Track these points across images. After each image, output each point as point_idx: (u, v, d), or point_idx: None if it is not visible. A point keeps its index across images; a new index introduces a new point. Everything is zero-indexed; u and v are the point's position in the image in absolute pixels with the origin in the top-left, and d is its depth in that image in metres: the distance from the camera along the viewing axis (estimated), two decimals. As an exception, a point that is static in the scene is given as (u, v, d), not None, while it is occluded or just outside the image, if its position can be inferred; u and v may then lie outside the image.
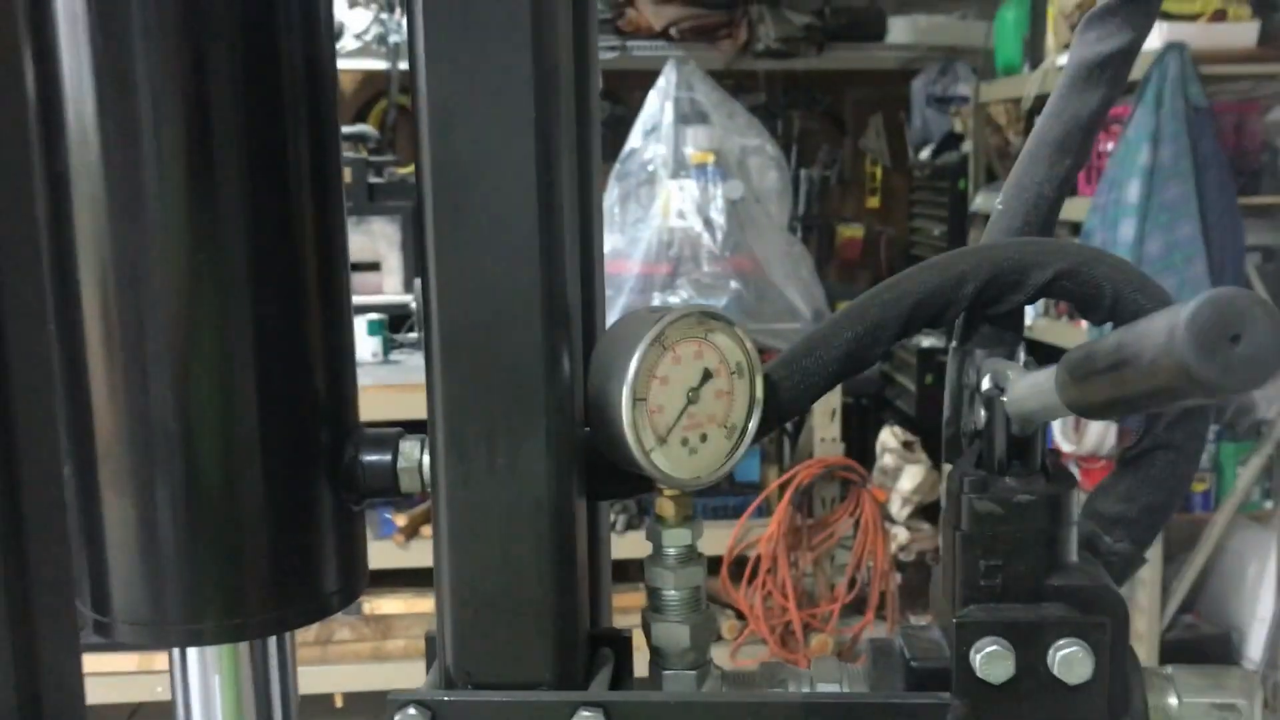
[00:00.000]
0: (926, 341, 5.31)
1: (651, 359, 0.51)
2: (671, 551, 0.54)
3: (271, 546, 0.56)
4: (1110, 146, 3.51)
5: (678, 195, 3.46)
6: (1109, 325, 0.58)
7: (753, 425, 0.54)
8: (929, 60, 5.65)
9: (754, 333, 2.69)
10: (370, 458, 0.58)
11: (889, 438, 4.71)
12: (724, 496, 3.58)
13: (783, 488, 3.40)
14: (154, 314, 0.53)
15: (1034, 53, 4.39)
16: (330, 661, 3.26)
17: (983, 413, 0.52)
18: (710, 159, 3.48)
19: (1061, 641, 0.49)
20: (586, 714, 0.50)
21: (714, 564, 3.34)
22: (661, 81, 3.59)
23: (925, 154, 5.56)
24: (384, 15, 4.74)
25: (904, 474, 4.68)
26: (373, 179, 3.85)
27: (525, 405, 0.49)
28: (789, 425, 4.28)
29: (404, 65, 4.92)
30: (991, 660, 0.49)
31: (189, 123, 0.52)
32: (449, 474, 0.51)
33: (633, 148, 3.55)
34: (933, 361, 5.15)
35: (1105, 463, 3.65)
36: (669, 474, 0.52)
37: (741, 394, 0.54)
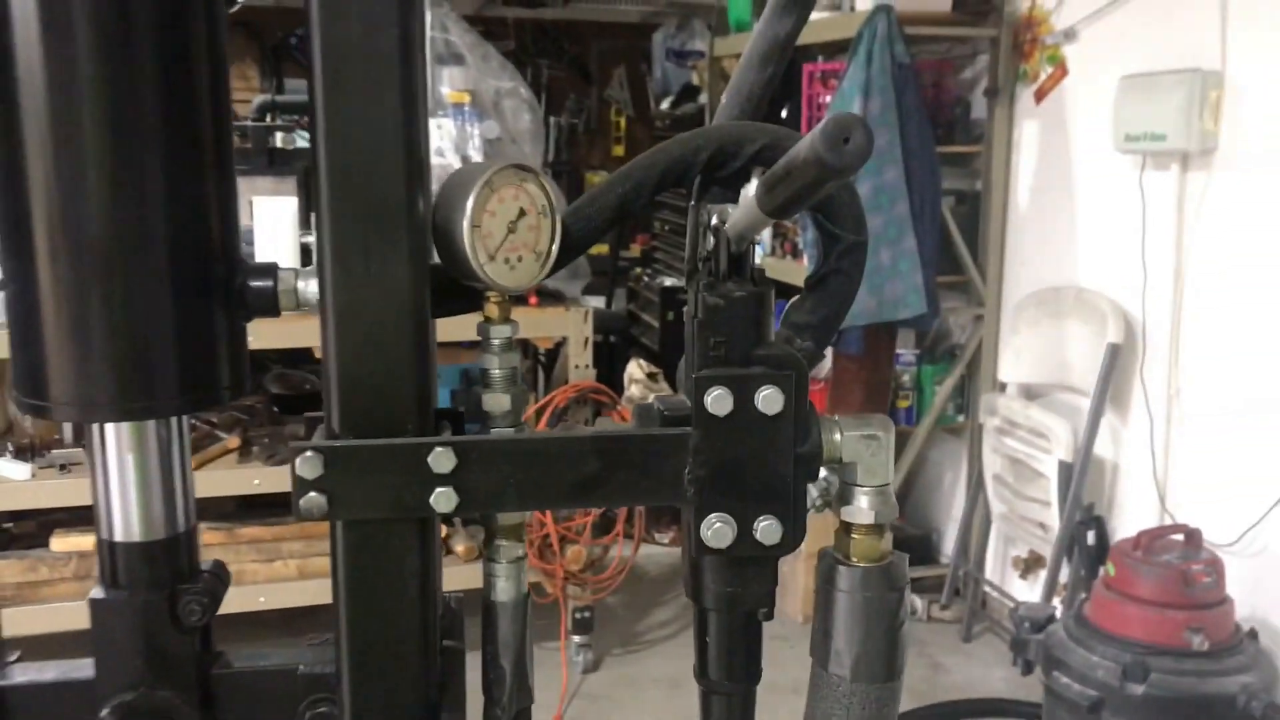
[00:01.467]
0: (669, 281, 5.66)
1: (484, 197, 0.71)
2: (495, 341, 0.75)
3: (177, 346, 0.73)
4: (828, 99, 3.89)
5: (435, 134, 3.60)
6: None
7: (554, 250, 0.75)
8: (668, 16, 5.98)
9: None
10: (255, 283, 0.76)
11: (635, 369, 5.02)
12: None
13: (540, 412, 3.63)
14: (90, 169, 0.69)
15: (760, 9, 4.74)
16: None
17: (710, 239, 0.75)
18: (466, 99, 3.63)
19: (763, 387, 0.73)
20: (441, 450, 0.70)
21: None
22: (416, 23, 3.70)
23: (665, 105, 5.88)
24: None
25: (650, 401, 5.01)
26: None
27: (392, 227, 0.69)
28: (543, 356, 4.51)
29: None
30: (718, 400, 0.73)
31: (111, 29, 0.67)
32: (334, 280, 0.69)
33: (390, 87, 3.65)
34: (674, 300, 5.51)
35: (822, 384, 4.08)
36: (497, 281, 0.72)
37: (546, 229, 0.75)
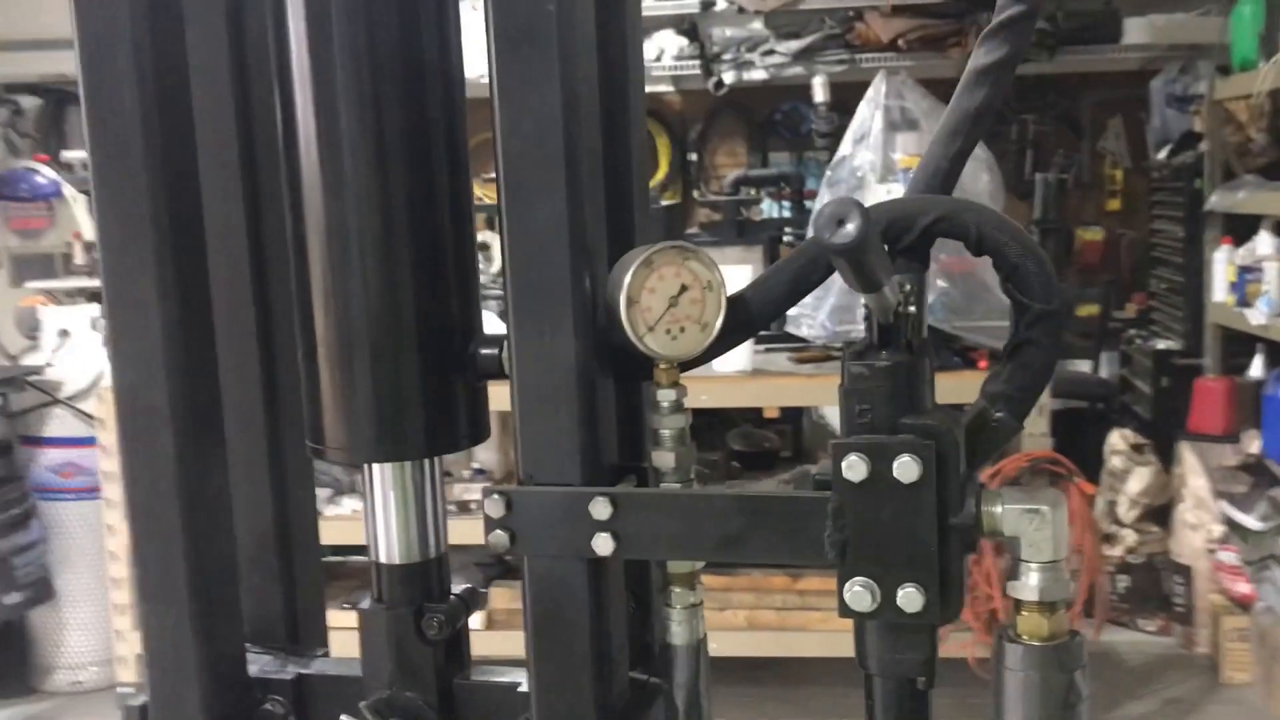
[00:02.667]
0: (1163, 344, 5.23)
1: (642, 275, 0.80)
2: (664, 403, 0.83)
3: (423, 402, 0.88)
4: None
5: (886, 200, 3.66)
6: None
7: (719, 323, 0.82)
8: (1169, 59, 5.57)
9: (961, 329, 2.86)
10: (485, 351, 0.89)
11: (1118, 440, 4.70)
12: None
13: (989, 480, 3.54)
14: (354, 265, 0.86)
15: (1269, 47, 4.31)
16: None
17: (863, 309, 0.78)
18: (917, 164, 3.66)
19: (900, 455, 0.74)
20: (600, 499, 0.79)
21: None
22: (871, 91, 3.81)
23: (1162, 155, 5.48)
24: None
25: (1132, 476, 4.66)
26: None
27: (559, 305, 0.79)
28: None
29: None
30: (853, 467, 0.75)
31: (372, 137, 0.84)
32: (517, 350, 0.81)
33: (843, 155, 3.78)
34: (1168, 365, 5.08)
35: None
36: (657, 351, 0.81)
37: (712, 303, 0.82)
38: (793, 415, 4.36)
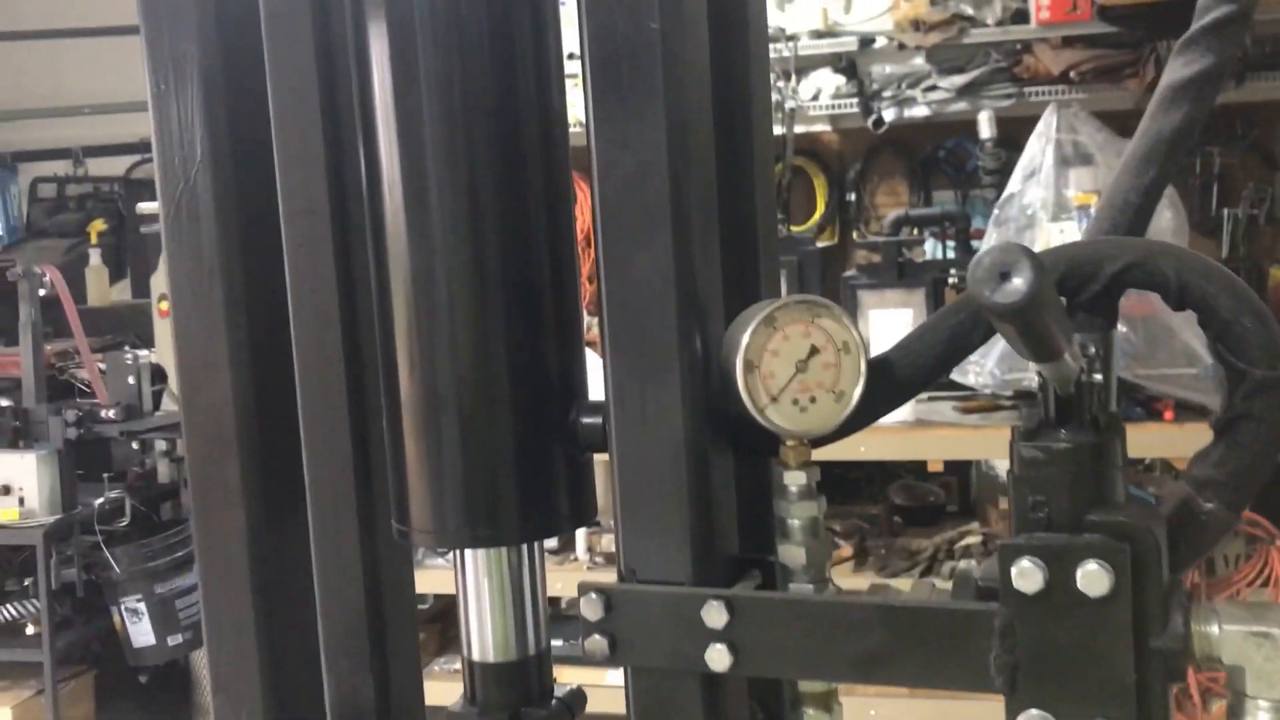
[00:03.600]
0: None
1: (763, 336, 0.67)
2: (793, 488, 0.70)
3: (518, 480, 0.77)
4: None
5: (1058, 239, 3.44)
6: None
7: (858, 392, 0.68)
8: (1375, 83, 5.14)
9: (1143, 378, 2.62)
10: (587, 420, 0.78)
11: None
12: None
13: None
14: (441, 323, 0.76)
15: None
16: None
17: (1037, 379, 0.64)
18: (1093, 200, 3.42)
19: (1085, 561, 0.60)
20: (714, 604, 0.67)
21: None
22: (1042, 125, 3.60)
23: (1368, 185, 5.04)
24: (780, 83, 5.07)
25: (1342, 537, 4.24)
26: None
27: (665, 370, 0.67)
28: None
29: (799, 129, 5.22)
30: (1025, 575, 0.60)
31: (464, 192, 0.74)
32: (616, 424, 0.70)
33: (1011, 192, 3.57)
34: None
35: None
36: (781, 426, 0.68)
37: (849, 367, 0.68)
38: (958, 467, 4.12)
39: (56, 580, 3.83)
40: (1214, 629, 0.61)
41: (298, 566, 0.84)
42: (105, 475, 4.10)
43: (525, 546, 0.82)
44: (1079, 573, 0.59)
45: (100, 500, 3.98)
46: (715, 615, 0.66)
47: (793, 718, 0.73)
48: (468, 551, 0.81)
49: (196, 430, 0.80)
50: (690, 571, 0.68)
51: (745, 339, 0.67)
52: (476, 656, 0.82)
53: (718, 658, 0.67)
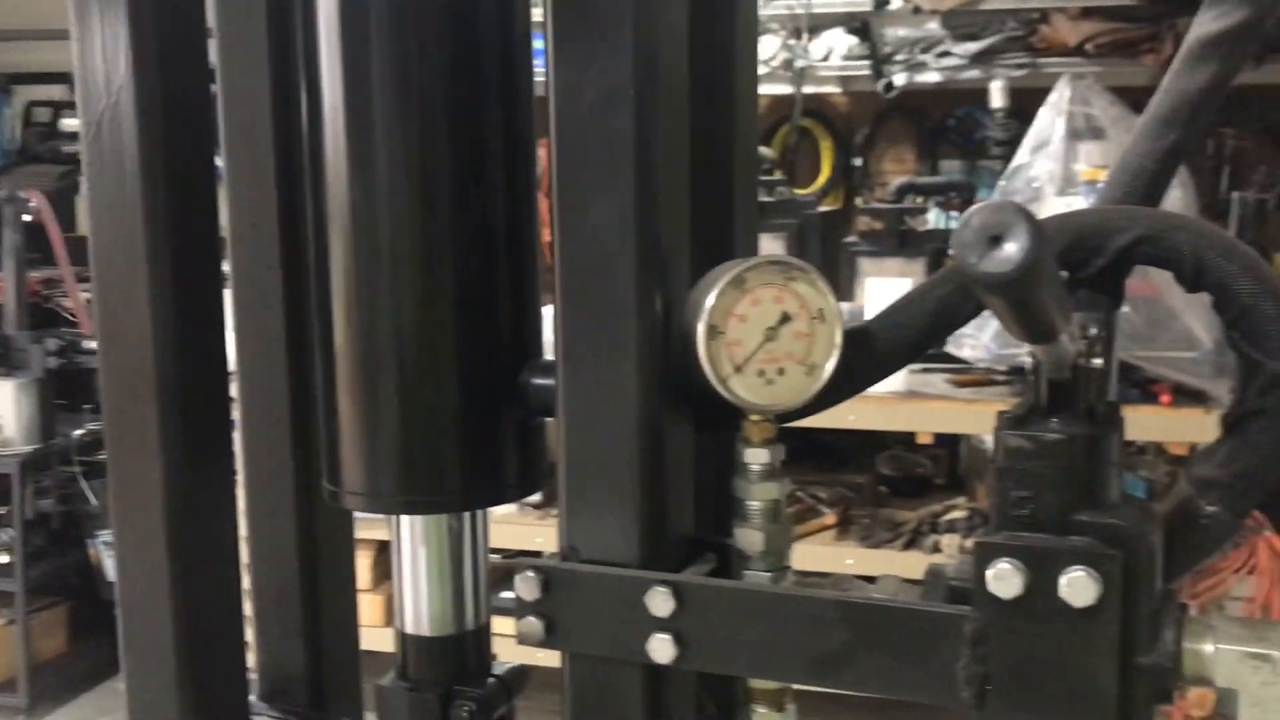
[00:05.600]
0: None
1: (730, 298, 0.60)
2: (754, 467, 0.63)
3: (461, 442, 0.71)
4: None
5: (1066, 210, 3.36)
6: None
7: (830, 365, 0.62)
8: (1395, 69, 5.04)
9: (1142, 360, 2.55)
10: (539, 381, 0.71)
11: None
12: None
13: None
14: (382, 267, 0.69)
15: None
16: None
17: (1029, 360, 0.57)
18: (1102, 175, 3.34)
19: (1071, 568, 0.53)
20: (660, 590, 0.60)
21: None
22: (1054, 96, 3.51)
23: (1384, 174, 4.94)
24: (791, 41, 4.96)
25: (1332, 529, 4.20)
26: (763, 198, 4.07)
27: (621, 331, 0.61)
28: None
29: (808, 89, 5.12)
30: (1003, 578, 0.54)
31: (411, 124, 0.67)
32: (565, 388, 0.63)
33: (1019, 164, 3.49)
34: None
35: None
36: (745, 399, 0.61)
37: (823, 338, 0.62)
38: (948, 441, 4.06)
39: (32, 510, 3.79)
40: (1208, 647, 0.55)
41: (222, 523, 0.78)
42: (86, 406, 4.04)
43: (468, 515, 0.76)
44: (1063, 580, 0.53)
45: (80, 432, 3.92)
46: (661, 603, 0.60)
47: (742, 714, 0.67)
48: (404, 517, 0.75)
49: (113, 369, 0.73)
50: (637, 553, 0.62)
51: (710, 301, 0.60)
52: (410, 629, 0.76)
53: (661, 649, 0.61)
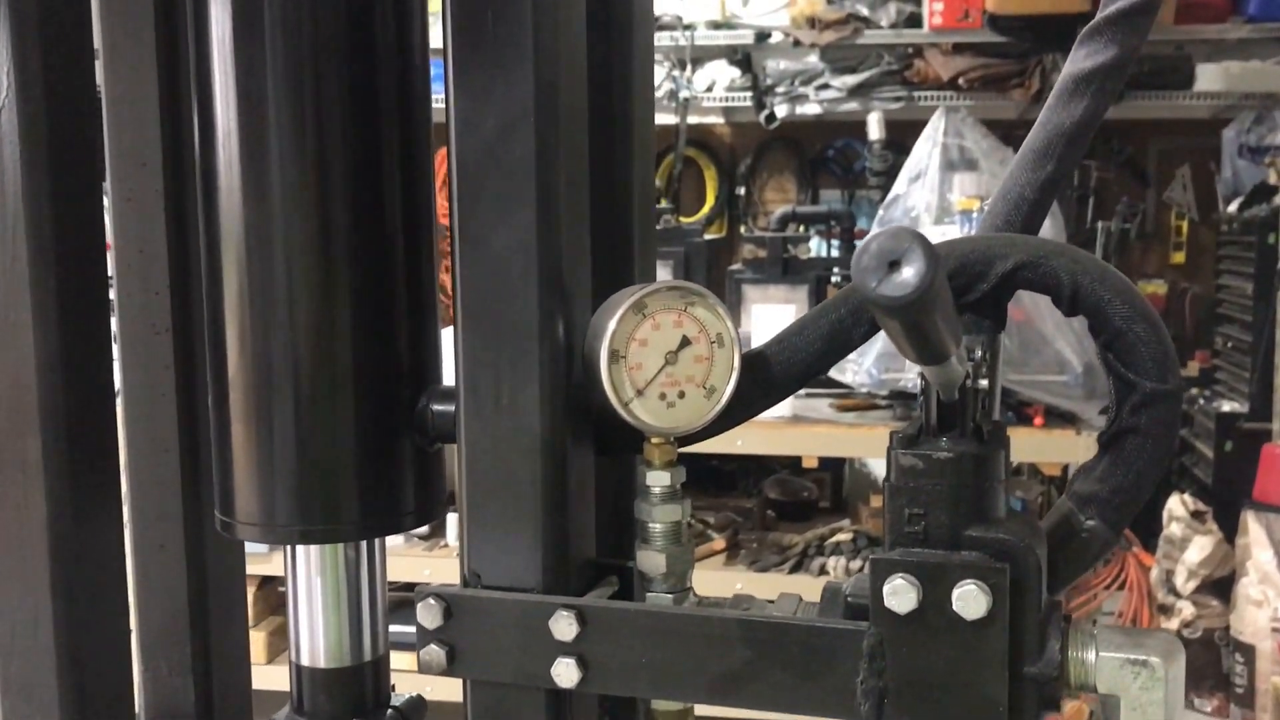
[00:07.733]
0: (1227, 406, 4.97)
1: (631, 323, 0.61)
2: (655, 490, 0.64)
3: (358, 470, 0.70)
4: None
5: (953, 237, 3.47)
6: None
7: (729, 389, 0.63)
8: (1243, 108, 5.34)
9: (1016, 384, 2.64)
10: (439, 407, 0.71)
11: (1178, 506, 4.43)
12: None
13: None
14: (275, 291, 0.68)
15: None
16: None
17: (919, 382, 0.59)
18: (976, 205, 3.46)
19: (962, 582, 0.55)
20: (564, 614, 0.61)
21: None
22: (929, 129, 3.62)
23: (1233, 207, 5.23)
24: (675, 72, 5.03)
25: (1192, 545, 4.39)
26: (649, 225, 4.12)
27: (524, 355, 0.61)
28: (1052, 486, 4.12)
29: (692, 119, 5.19)
30: (898, 593, 0.56)
31: (306, 145, 0.67)
32: (466, 413, 0.63)
33: (896, 194, 3.59)
34: (1232, 429, 4.81)
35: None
36: (647, 422, 0.62)
37: (722, 361, 0.63)
38: (833, 464, 4.15)
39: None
40: (1090, 655, 0.57)
41: (108, 556, 0.75)
42: None
43: (365, 544, 0.75)
44: (955, 593, 0.55)
45: None
46: (565, 627, 0.60)
47: (645, 737, 0.67)
48: (299, 547, 0.74)
49: (-7, 399, 0.71)
50: (540, 578, 0.62)
51: (612, 325, 0.61)
52: (306, 661, 0.75)
53: (565, 673, 0.61)
